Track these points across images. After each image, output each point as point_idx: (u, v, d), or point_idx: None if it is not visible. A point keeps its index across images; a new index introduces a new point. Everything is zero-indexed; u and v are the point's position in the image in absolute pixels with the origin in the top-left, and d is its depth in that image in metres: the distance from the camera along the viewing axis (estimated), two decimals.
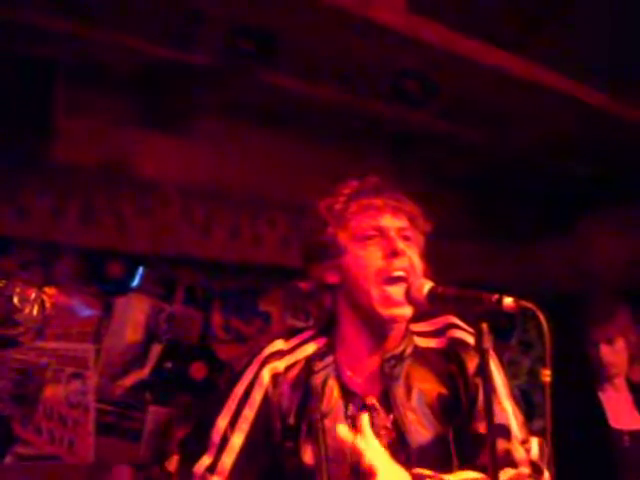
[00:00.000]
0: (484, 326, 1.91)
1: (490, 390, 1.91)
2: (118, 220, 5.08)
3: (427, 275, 2.15)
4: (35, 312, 4.90)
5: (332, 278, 2.11)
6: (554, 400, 4.45)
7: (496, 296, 1.89)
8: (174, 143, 5.11)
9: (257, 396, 2.07)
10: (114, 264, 5.27)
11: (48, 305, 4.96)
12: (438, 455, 2.04)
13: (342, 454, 1.97)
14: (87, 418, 5.03)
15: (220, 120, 5.20)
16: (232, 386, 2.13)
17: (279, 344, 2.16)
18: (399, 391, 2.09)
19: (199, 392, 5.52)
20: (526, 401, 6.84)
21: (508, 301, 1.89)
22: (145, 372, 5.35)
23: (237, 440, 2.05)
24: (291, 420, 2.05)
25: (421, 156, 5.81)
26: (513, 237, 6.38)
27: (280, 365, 2.09)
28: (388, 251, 2.07)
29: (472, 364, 2.13)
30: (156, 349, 5.41)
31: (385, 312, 2.05)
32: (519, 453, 2.05)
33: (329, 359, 2.12)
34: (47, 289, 4.99)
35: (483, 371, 1.90)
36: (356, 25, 4.02)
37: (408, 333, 2.19)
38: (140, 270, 5.38)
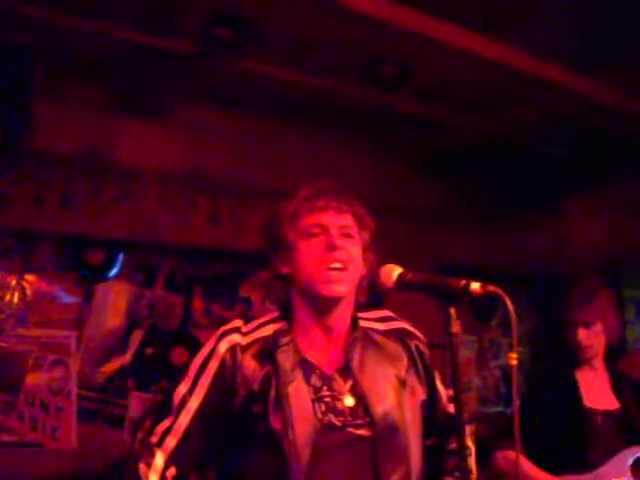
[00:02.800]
0: (452, 311, 1.99)
1: (456, 372, 2.00)
2: (97, 207, 5.09)
3: (379, 264, 2.32)
4: (16, 299, 4.91)
5: (285, 269, 2.37)
6: (534, 378, 4.49)
7: (463, 281, 1.97)
8: (153, 130, 5.12)
9: (213, 365, 2.27)
10: (94, 251, 5.28)
11: (29, 292, 4.97)
12: (399, 419, 2.29)
13: (304, 417, 2.20)
14: (69, 405, 5.05)
15: (199, 107, 5.22)
16: (193, 358, 2.37)
17: (237, 322, 2.37)
18: (355, 362, 2.33)
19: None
20: (507, 381, 6.92)
21: (475, 286, 1.96)
22: (126, 358, 5.37)
23: (193, 404, 2.27)
24: (256, 387, 2.24)
25: (402, 141, 5.85)
26: (496, 220, 6.44)
27: (238, 338, 2.30)
28: (327, 245, 2.31)
29: (415, 349, 2.49)
30: (137, 335, 5.43)
31: (324, 290, 2.28)
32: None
33: (289, 338, 2.32)
34: (27, 276, 5.00)
35: (452, 355, 1.97)
36: (331, 11, 4.05)
37: (355, 316, 2.45)
38: (120, 257, 5.39)
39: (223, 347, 2.28)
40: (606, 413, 3.67)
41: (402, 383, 2.38)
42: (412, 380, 2.43)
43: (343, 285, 2.31)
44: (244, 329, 2.34)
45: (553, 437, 3.68)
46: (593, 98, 5.13)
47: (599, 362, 3.78)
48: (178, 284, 5.66)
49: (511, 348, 1.99)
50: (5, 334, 4.86)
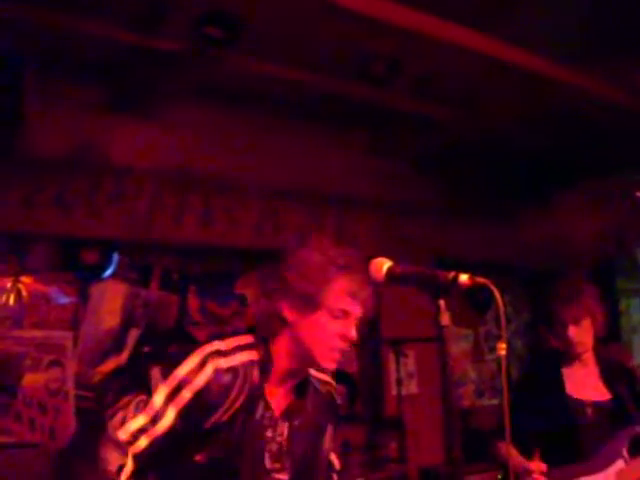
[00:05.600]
0: (441, 303, 2.00)
1: (446, 364, 2.02)
2: (91, 207, 5.09)
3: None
4: (12, 301, 4.92)
5: (290, 315, 2.38)
6: (526, 371, 4.52)
7: (452, 274, 1.98)
8: (145, 129, 5.13)
9: (199, 382, 2.30)
10: (89, 251, 5.28)
11: (24, 294, 4.98)
12: (313, 465, 2.50)
13: (256, 460, 2.36)
14: (67, 405, 5.06)
15: (191, 105, 5.22)
16: (174, 366, 2.37)
17: (218, 345, 2.39)
18: (295, 406, 2.48)
19: None
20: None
21: (464, 278, 1.97)
22: (123, 357, 5.37)
23: (170, 414, 2.30)
24: (225, 417, 2.31)
25: (397, 137, 5.86)
26: (492, 215, 6.46)
27: (222, 363, 2.32)
28: (345, 335, 2.36)
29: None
30: (133, 334, 5.43)
31: (325, 363, 2.40)
32: None
33: (259, 374, 2.38)
34: (23, 278, 5.00)
35: (441, 347, 1.99)
36: (322, 9, 4.06)
37: None
38: (115, 256, 5.39)
39: (210, 368, 2.31)
40: (596, 404, 3.71)
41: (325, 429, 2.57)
42: (331, 428, 2.60)
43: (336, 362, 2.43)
44: (224, 348, 2.37)
45: (545, 430, 3.71)
46: (586, 91, 5.14)
47: (589, 355, 3.81)
48: (173, 283, 5.66)
49: (500, 338, 2.01)
50: (1, 336, 4.87)
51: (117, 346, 5.36)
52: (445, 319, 1.99)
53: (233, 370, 2.32)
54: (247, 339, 2.44)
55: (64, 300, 5.17)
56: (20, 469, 4.76)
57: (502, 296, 2.01)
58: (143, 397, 2.40)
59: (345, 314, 2.37)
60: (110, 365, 5.31)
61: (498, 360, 6.95)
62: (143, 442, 2.30)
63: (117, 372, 5.32)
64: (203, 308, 5.79)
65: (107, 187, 5.15)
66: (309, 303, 2.36)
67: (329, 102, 5.26)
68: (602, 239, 6.23)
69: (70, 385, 5.10)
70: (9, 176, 4.74)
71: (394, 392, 5.93)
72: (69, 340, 5.14)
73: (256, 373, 2.36)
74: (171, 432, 2.29)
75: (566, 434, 3.69)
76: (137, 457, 2.33)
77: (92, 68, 4.72)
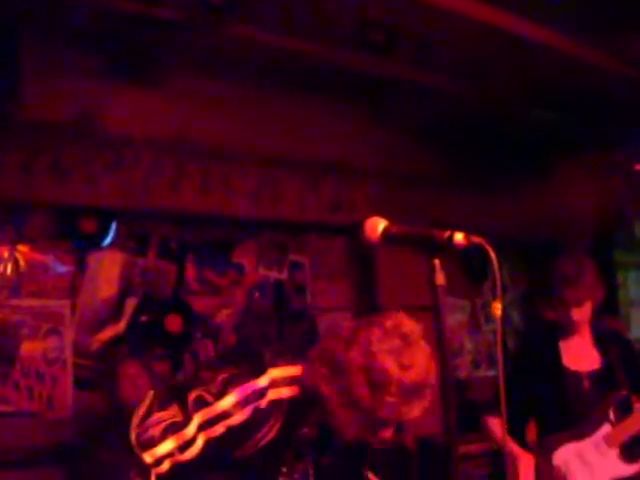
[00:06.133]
0: (436, 262, 1.99)
1: (441, 325, 2.02)
2: (89, 175, 5.06)
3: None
4: (9, 270, 4.90)
5: (327, 390, 2.32)
6: (522, 342, 4.54)
7: (447, 233, 1.97)
8: (143, 97, 5.07)
9: (235, 420, 2.26)
10: (86, 220, 5.26)
11: (22, 263, 4.97)
12: None
13: None
14: (65, 373, 5.07)
15: (189, 73, 5.17)
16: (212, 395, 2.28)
17: (266, 380, 2.34)
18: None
19: (175, 344, 5.56)
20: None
21: (459, 237, 1.96)
22: (121, 326, 5.38)
23: (199, 442, 2.24)
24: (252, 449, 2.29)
25: (396, 106, 5.82)
26: (490, 185, 6.44)
27: (263, 403, 2.29)
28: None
29: None
30: (131, 303, 5.44)
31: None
32: None
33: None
34: (20, 247, 4.99)
35: (436, 306, 1.98)
36: None
37: None
38: (112, 225, 5.38)
39: (249, 409, 2.27)
40: (592, 374, 3.74)
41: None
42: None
43: None
44: (266, 384, 2.32)
45: (541, 400, 3.74)
46: (591, 63, 5.11)
47: (585, 328, 3.84)
48: (171, 251, 5.66)
49: (495, 298, 2.01)
50: None
51: (115, 315, 5.36)
52: (440, 278, 1.99)
53: (273, 404, 2.29)
54: (293, 371, 2.41)
55: (61, 269, 5.16)
56: (18, 438, 4.78)
57: (498, 259, 2.00)
58: (177, 420, 2.27)
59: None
60: (108, 333, 5.32)
61: (495, 331, 6.97)
62: (166, 465, 2.24)
63: (115, 340, 5.33)
64: (201, 277, 5.79)
65: (105, 155, 5.11)
66: (352, 397, 2.32)
67: (329, 71, 5.21)
68: (601, 212, 6.22)
69: (68, 353, 5.11)
70: (5, 143, 4.71)
71: None
72: (67, 309, 5.14)
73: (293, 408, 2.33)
74: (196, 459, 2.24)
75: (562, 404, 3.73)
76: (159, 477, 2.27)
77: (91, 36, 4.66)
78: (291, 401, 2.32)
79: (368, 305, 6.36)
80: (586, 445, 3.63)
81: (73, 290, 5.18)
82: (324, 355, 2.36)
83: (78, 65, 4.83)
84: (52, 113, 4.82)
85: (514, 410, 3.59)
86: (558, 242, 5.88)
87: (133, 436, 2.24)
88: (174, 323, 5.60)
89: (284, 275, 6.16)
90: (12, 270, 4.93)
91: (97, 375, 5.15)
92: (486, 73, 5.37)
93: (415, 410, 2.29)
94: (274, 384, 2.30)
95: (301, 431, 2.34)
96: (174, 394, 2.32)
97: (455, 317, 6.87)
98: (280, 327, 6.09)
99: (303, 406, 2.34)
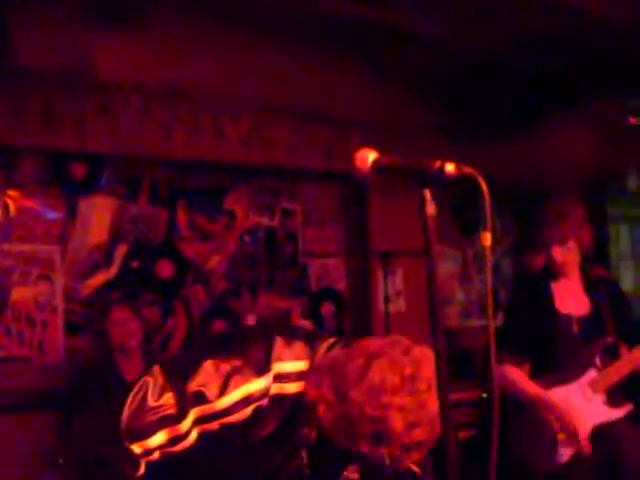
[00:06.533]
0: (427, 193, 1.98)
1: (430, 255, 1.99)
2: (79, 121, 5.02)
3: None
4: None
5: (325, 413, 2.18)
6: (514, 287, 4.53)
7: (438, 163, 1.95)
8: (134, 43, 5.02)
9: (233, 419, 2.13)
10: (77, 165, 5.24)
11: (12, 208, 4.95)
12: None
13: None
14: (56, 319, 5.09)
15: (181, 19, 5.10)
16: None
17: (300, 365, 2.25)
18: None
19: (165, 290, 5.57)
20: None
21: (450, 168, 1.94)
22: (112, 272, 5.38)
23: (192, 436, 2.14)
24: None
25: (392, 57, 5.76)
26: (484, 136, 6.40)
27: (265, 401, 2.16)
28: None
29: None
30: (122, 249, 5.44)
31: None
32: None
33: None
34: (10, 192, 4.97)
35: (426, 236, 1.97)
36: None
37: None
38: (103, 171, 5.35)
39: (250, 409, 2.16)
40: (581, 319, 3.76)
41: None
42: None
43: None
44: (276, 375, 2.22)
45: (533, 343, 3.77)
46: (588, 11, 5.05)
47: (574, 272, 3.84)
48: (162, 197, 5.64)
49: (485, 229, 2.00)
50: None
51: (105, 260, 5.37)
52: (431, 209, 1.97)
53: (275, 400, 2.19)
54: (303, 366, 2.27)
55: (52, 215, 5.15)
56: (9, 382, 4.81)
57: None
58: (172, 412, 2.12)
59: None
60: (99, 279, 5.33)
61: (486, 281, 6.99)
62: (156, 455, 2.13)
63: (106, 286, 5.34)
64: (192, 223, 5.78)
65: (95, 101, 5.07)
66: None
67: (323, 19, 5.15)
68: (595, 163, 6.20)
69: (59, 299, 5.12)
70: None
71: (382, 309, 5.95)
72: (57, 254, 5.14)
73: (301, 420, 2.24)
74: (188, 450, 2.14)
75: (552, 347, 3.76)
76: (149, 465, 2.17)
77: None
78: (294, 398, 2.22)
79: (360, 251, 6.38)
80: (573, 389, 3.66)
81: (63, 236, 5.18)
82: (334, 376, 2.19)
83: (68, 11, 4.76)
84: (42, 59, 4.77)
85: (509, 354, 3.67)
86: (549, 192, 5.86)
87: (124, 425, 2.15)
88: (165, 269, 5.61)
89: (276, 222, 6.16)
90: (2, 215, 4.92)
91: (88, 321, 5.16)
92: (485, 23, 5.31)
93: (413, 457, 2.23)
94: (279, 378, 2.18)
95: (300, 430, 2.24)
96: (171, 380, 2.19)
97: (446, 267, 6.89)
98: (271, 273, 6.10)
99: (306, 405, 2.24)
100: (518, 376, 3.74)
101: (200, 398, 2.11)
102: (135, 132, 5.25)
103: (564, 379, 3.70)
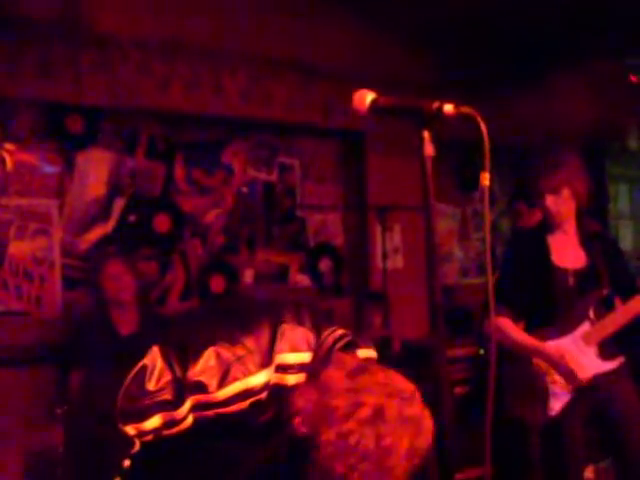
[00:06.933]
0: (425, 134, 1.97)
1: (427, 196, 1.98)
2: (76, 74, 4.98)
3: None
4: None
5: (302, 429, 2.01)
6: (511, 240, 4.52)
7: (437, 103, 1.94)
8: None
9: (230, 410, 2.04)
10: (74, 119, 5.20)
11: (8, 162, 4.92)
12: None
13: None
14: (53, 273, 5.09)
15: None
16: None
17: (304, 357, 2.14)
18: None
19: (162, 244, 5.57)
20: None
21: (448, 108, 1.94)
22: (109, 226, 5.37)
23: (188, 421, 2.07)
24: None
25: (387, 11, 5.70)
26: (485, 92, 6.36)
27: (264, 395, 2.07)
28: None
29: None
30: (119, 203, 5.42)
31: None
32: None
33: None
34: (7, 145, 4.93)
35: (424, 178, 1.96)
36: None
37: None
38: (100, 125, 5.32)
39: (248, 402, 2.07)
40: (577, 272, 3.76)
41: None
42: None
43: None
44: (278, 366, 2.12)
45: (528, 295, 3.78)
46: None
47: (571, 225, 3.83)
48: (159, 151, 5.62)
49: (483, 169, 2.00)
50: None
51: (103, 215, 5.36)
52: (429, 149, 1.96)
53: (274, 390, 2.09)
54: (307, 358, 2.16)
55: (49, 169, 5.13)
56: (8, 337, 4.82)
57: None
58: (169, 398, 2.02)
59: None
60: (96, 233, 5.32)
61: (485, 239, 6.98)
62: (150, 437, 2.06)
63: (103, 241, 5.33)
64: (189, 177, 5.76)
65: (92, 53, 5.02)
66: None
67: None
68: (595, 121, 6.17)
69: (56, 254, 5.12)
70: None
71: (380, 266, 5.95)
72: (54, 208, 5.13)
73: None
74: (183, 432, 2.06)
75: (548, 300, 3.76)
76: (144, 444, 2.08)
77: None
78: (292, 390, 2.10)
79: (358, 207, 6.37)
80: (566, 342, 3.67)
81: (61, 190, 5.16)
82: (318, 404, 2.02)
83: None
84: (41, 10, 4.73)
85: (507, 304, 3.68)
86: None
87: (119, 406, 2.09)
88: (163, 223, 5.60)
89: (274, 177, 6.14)
90: None
91: (85, 275, 5.16)
92: None
93: None
94: (281, 369, 2.07)
95: (294, 421, 2.16)
96: (171, 365, 2.12)
97: (445, 224, 6.89)
98: (269, 229, 6.09)
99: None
100: (512, 328, 3.75)
101: (200, 388, 2.05)
102: (133, 86, 5.21)
103: (559, 332, 3.71)
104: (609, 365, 3.70)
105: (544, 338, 3.70)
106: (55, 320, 5.01)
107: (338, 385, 1.99)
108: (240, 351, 2.08)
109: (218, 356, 2.06)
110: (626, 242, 7.06)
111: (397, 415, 1.92)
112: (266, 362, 2.09)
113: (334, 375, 2.03)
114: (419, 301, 6.17)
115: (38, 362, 4.75)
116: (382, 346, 5.45)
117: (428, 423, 1.92)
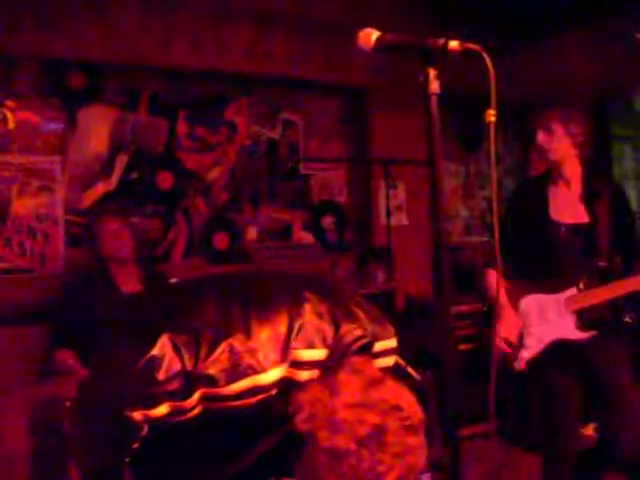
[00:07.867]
0: (431, 71, 1.95)
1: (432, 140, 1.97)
2: (76, 30, 4.94)
3: None
4: None
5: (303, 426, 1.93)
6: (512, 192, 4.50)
7: (442, 40, 1.92)
8: None
9: (237, 403, 2.03)
10: (75, 76, 5.17)
11: (10, 119, 4.90)
12: None
13: None
14: (56, 230, 5.09)
15: None
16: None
17: (321, 354, 2.09)
18: None
19: (166, 201, 5.56)
20: (492, 211, 6.97)
21: (454, 44, 1.93)
22: (112, 183, 5.36)
23: (196, 410, 2.06)
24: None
25: None
26: (492, 51, 6.31)
27: (274, 391, 2.05)
28: None
29: None
30: (122, 160, 5.41)
31: None
32: None
33: None
34: (8, 102, 4.91)
35: (429, 117, 1.95)
36: None
37: None
38: (102, 81, 5.29)
39: (256, 399, 2.06)
40: (572, 226, 3.74)
41: None
42: None
43: None
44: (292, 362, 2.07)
45: (524, 246, 3.78)
46: None
47: (575, 180, 3.79)
48: (162, 107, 5.60)
49: (489, 107, 1.98)
50: None
51: (105, 172, 5.34)
52: (434, 86, 1.95)
53: (284, 385, 2.06)
54: (321, 355, 2.11)
55: (51, 125, 5.11)
56: (12, 294, 4.83)
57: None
58: (177, 388, 1.96)
59: None
60: (99, 190, 5.32)
61: (489, 198, 6.96)
62: (154, 425, 2.04)
63: (106, 197, 5.32)
64: (192, 134, 5.74)
65: (93, 9, 4.98)
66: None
67: None
68: (599, 82, 6.11)
69: (59, 210, 5.11)
70: None
71: (383, 222, 5.93)
72: (57, 165, 5.12)
73: None
74: (189, 420, 2.05)
75: (541, 253, 3.76)
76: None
77: None
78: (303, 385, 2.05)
79: (361, 163, 6.35)
80: (550, 301, 3.68)
81: (63, 147, 5.15)
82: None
83: None
84: None
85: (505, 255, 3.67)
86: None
87: (127, 392, 2.05)
88: (165, 180, 5.59)
89: (277, 133, 6.12)
90: (1, 126, 4.88)
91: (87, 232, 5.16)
92: None
93: None
94: (294, 365, 2.03)
95: (297, 417, 2.10)
96: (181, 355, 2.07)
97: (449, 182, 6.87)
98: (272, 186, 6.08)
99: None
100: (492, 282, 3.79)
101: (210, 382, 2.02)
102: (135, 42, 5.18)
103: (546, 289, 3.72)
104: (581, 335, 3.68)
105: (532, 290, 3.72)
106: (58, 277, 5.01)
107: (350, 395, 1.92)
108: (253, 344, 2.04)
109: (231, 349, 2.02)
110: (631, 203, 7.03)
111: (398, 442, 1.86)
112: (280, 358, 2.05)
113: (349, 381, 1.96)
114: (423, 257, 6.21)
115: (42, 319, 4.75)
116: (386, 301, 5.46)
117: (423, 456, 1.87)
